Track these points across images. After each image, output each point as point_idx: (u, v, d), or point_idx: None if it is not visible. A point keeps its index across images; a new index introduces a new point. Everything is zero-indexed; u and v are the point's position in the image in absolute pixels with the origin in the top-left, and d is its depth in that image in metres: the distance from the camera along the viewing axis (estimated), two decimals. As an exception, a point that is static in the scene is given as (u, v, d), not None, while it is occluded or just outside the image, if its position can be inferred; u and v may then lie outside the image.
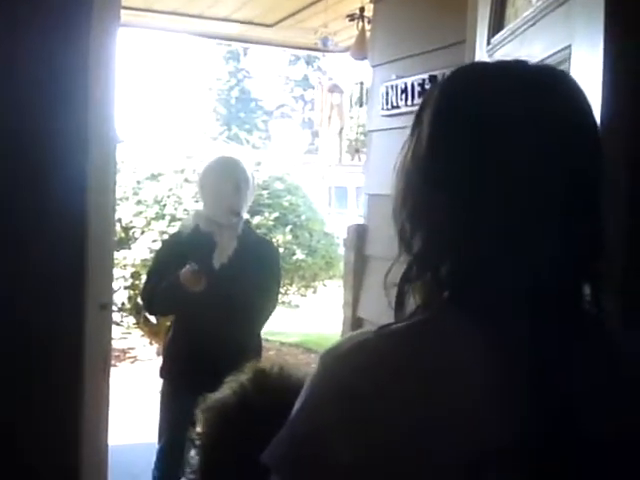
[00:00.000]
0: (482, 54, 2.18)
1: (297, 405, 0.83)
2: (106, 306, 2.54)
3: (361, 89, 11.66)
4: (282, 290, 7.28)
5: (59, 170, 2.12)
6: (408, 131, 0.92)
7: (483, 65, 0.91)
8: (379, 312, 3.25)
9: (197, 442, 1.15)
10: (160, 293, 3.27)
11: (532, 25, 1.77)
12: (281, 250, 7.35)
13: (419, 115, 0.89)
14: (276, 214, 7.84)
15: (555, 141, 0.81)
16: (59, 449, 2.14)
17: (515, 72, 0.87)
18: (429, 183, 0.85)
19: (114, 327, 4.70)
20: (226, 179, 3.32)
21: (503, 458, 0.73)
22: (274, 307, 3.48)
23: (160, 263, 3.45)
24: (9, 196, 2.07)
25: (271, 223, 7.75)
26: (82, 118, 2.11)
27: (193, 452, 1.16)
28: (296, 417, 0.81)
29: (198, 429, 1.16)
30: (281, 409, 0.94)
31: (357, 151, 18.81)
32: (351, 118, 16.72)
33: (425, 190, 0.86)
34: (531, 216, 0.80)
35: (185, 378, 3.26)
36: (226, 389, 1.16)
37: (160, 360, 3.57)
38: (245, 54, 30.15)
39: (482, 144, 0.82)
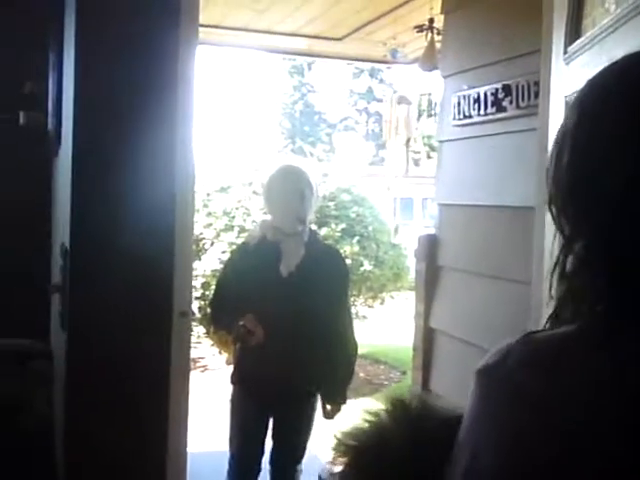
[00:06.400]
0: (558, 63, 2.18)
1: (477, 430, 0.79)
2: (185, 314, 2.60)
3: (429, 100, 11.61)
4: (350, 301, 7.28)
5: (149, 185, 2.19)
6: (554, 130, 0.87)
7: None
8: (452, 322, 3.24)
9: None
10: (227, 321, 3.32)
11: (612, 32, 1.76)
12: (348, 261, 7.37)
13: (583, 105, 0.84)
14: (343, 225, 7.87)
15: None
16: (147, 453, 2.20)
17: None
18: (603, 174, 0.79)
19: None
20: (291, 188, 3.33)
21: None
22: (346, 315, 3.49)
23: (229, 275, 3.48)
24: (102, 210, 2.15)
25: (338, 234, 7.78)
26: (170, 133, 2.18)
27: None
28: (487, 444, 0.78)
29: (329, 468, 1.06)
30: (422, 442, 0.90)
31: (417, 162, 18.75)
32: (416, 129, 16.65)
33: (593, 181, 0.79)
34: None
35: (255, 384, 3.30)
36: (360, 422, 1.02)
37: (230, 369, 3.61)
38: (309, 68, 30.39)
39: None
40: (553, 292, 0.85)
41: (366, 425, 1.00)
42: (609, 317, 0.77)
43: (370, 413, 1.01)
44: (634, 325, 0.75)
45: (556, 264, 0.83)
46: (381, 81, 30.50)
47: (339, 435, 1.01)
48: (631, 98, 0.80)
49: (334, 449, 1.01)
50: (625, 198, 0.77)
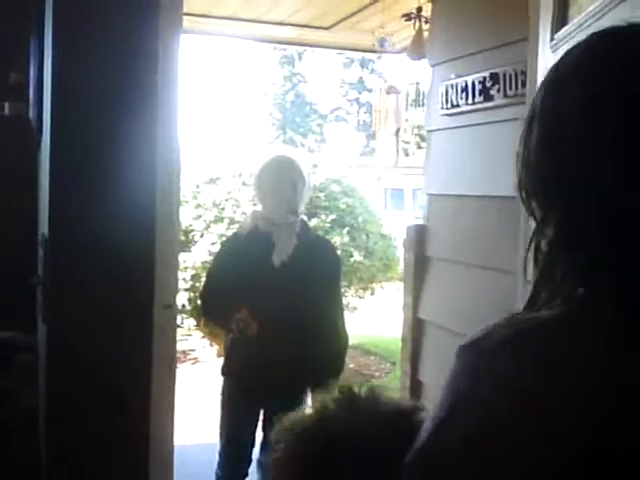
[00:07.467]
0: (545, 51, 2.16)
1: (450, 400, 0.77)
2: (170, 307, 2.58)
3: (417, 90, 11.59)
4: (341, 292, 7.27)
5: (129, 175, 2.16)
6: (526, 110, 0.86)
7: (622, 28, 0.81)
8: (440, 313, 3.22)
9: (270, 469, 1.02)
10: (218, 313, 3.35)
11: (598, 19, 1.74)
12: (338, 252, 7.36)
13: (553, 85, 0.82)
14: (333, 216, 7.86)
15: None
16: (130, 446, 2.18)
17: None
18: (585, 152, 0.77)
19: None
20: (283, 178, 3.31)
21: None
22: (338, 305, 3.47)
23: (220, 265, 3.47)
24: (82, 200, 2.13)
25: (328, 225, 7.77)
26: (151, 122, 2.15)
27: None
28: (458, 412, 0.76)
29: (272, 454, 1.02)
30: (370, 434, 0.90)
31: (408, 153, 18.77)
32: (406, 120, 16.62)
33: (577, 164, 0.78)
34: None
35: (246, 376, 3.29)
36: (307, 409, 1.04)
37: (221, 361, 3.59)
38: (300, 59, 30.29)
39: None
40: (529, 277, 0.84)
41: (310, 412, 1.02)
42: (594, 300, 0.76)
43: (318, 401, 1.03)
44: (618, 307, 0.74)
45: (529, 248, 0.82)
46: (372, 71, 30.42)
47: (283, 422, 1.02)
48: (592, 78, 0.79)
49: (275, 435, 1.03)
50: (598, 183, 0.76)
